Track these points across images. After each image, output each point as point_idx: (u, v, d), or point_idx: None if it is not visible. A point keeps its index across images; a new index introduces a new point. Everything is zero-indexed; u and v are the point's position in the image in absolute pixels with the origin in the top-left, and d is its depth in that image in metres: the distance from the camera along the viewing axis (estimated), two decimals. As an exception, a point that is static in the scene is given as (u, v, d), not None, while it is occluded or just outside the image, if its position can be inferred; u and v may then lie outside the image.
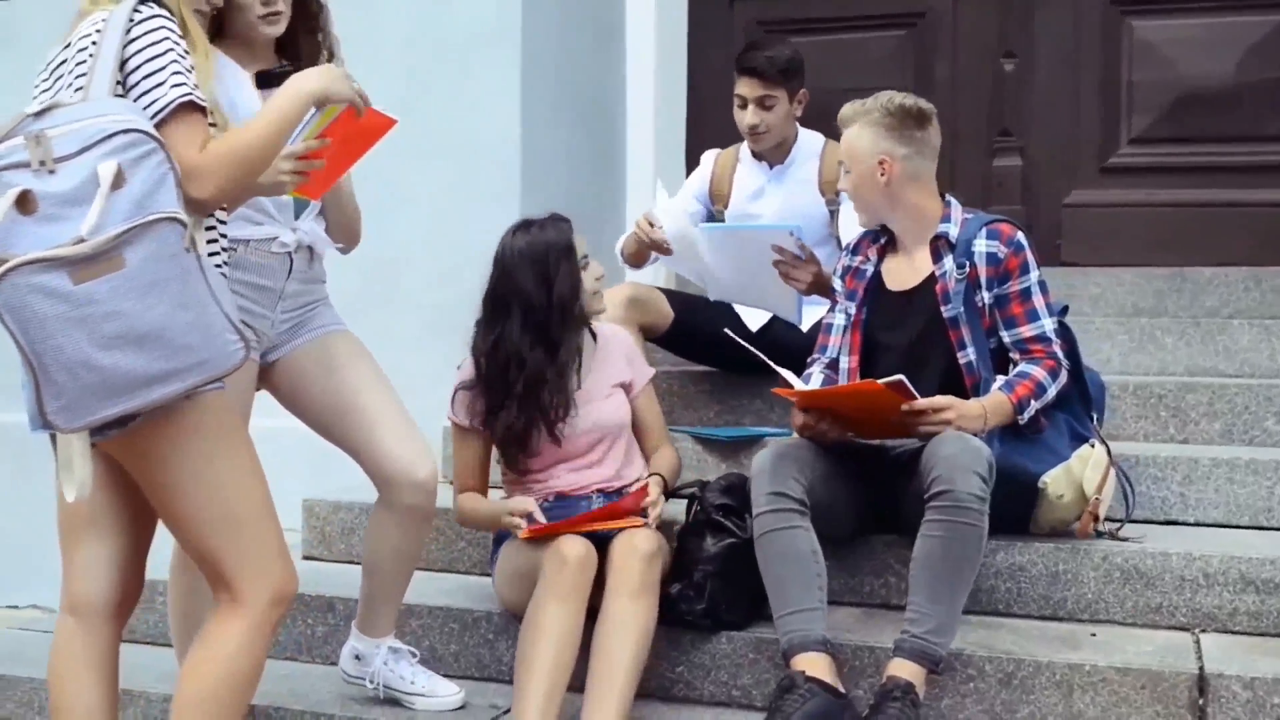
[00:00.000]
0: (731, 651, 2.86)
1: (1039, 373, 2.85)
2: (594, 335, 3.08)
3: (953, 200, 3.01)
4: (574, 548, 2.70)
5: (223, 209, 2.27)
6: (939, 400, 2.76)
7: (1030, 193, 4.56)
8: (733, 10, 4.88)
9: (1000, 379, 2.88)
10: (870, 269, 3.04)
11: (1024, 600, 2.96)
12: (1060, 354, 2.89)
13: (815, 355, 3.10)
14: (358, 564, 2.97)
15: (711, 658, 2.88)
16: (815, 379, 3.02)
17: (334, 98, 2.22)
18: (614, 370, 3.07)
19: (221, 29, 2.58)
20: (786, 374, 2.86)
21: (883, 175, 2.91)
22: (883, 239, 3.05)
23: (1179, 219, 4.38)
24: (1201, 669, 2.58)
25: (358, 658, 2.88)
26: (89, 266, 1.91)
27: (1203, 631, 2.84)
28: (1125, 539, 2.96)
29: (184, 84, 2.08)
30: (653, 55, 4.71)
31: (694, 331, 3.69)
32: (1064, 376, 2.88)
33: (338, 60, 2.72)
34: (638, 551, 2.71)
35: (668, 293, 3.71)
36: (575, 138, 4.42)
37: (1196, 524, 3.19)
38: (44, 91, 2.17)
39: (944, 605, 2.57)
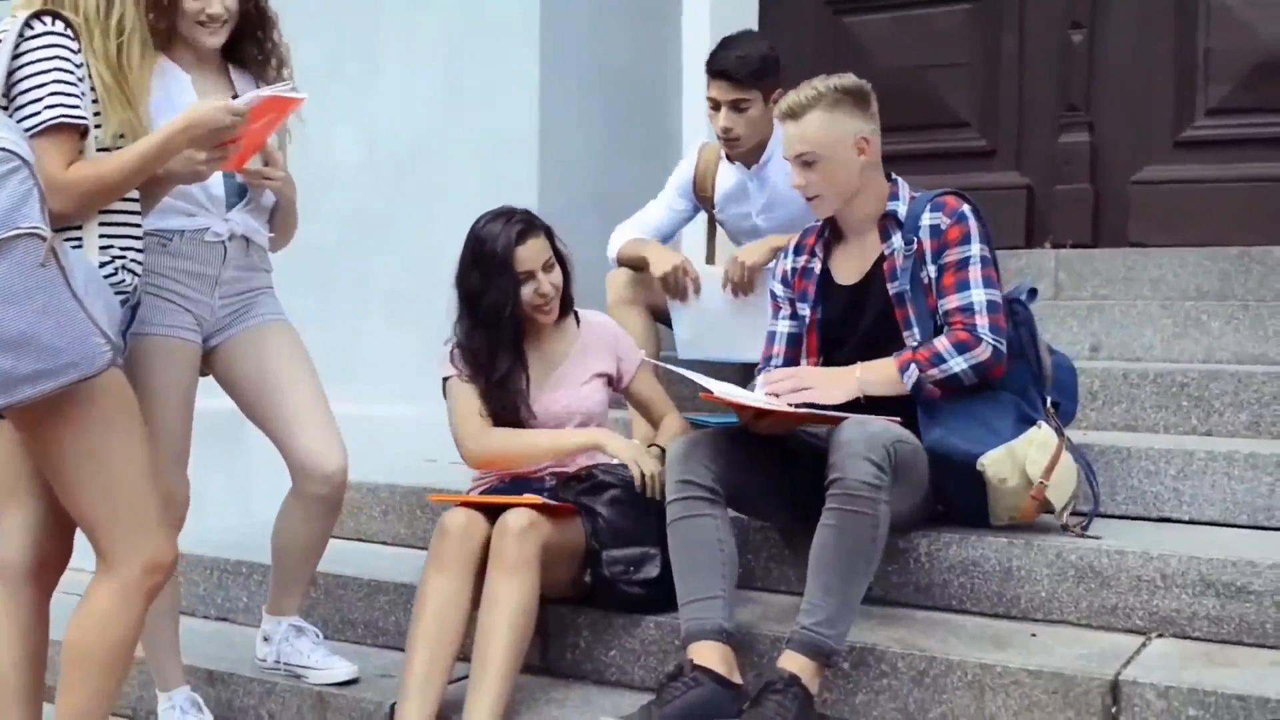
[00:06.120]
0: (660, 638, 2.85)
1: (940, 342, 2.73)
2: (577, 321, 3.11)
3: (898, 179, 2.91)
4: (454, 519, 2.75)
5: (135, 213, 2.41)
6: (789, 382, 2.74)
7: (1100, 170, 4.30)
8: (801, -10, 4.78)
9: None
10: (818, 266, 2.95)
11: (977, 597, 2.83)
12: (983, 329, 2.72)
13: (761, 365, 3.04)
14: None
15: (641, 643, 2.87)
16: (759, 386, 2.96)
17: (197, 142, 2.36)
18: (595, 361, 3.09)
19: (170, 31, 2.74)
20: (717, 384, 2.79)
21: (861, 155, 2.83)
22: (826, 233, 2.96)
23: (1259, 195, 4.04)
24: (1117, 676, 2.41)
25: (266, 639, 3.00)
26: None
27: (1159, 636, 2.65)
28: (1088, 535, 2.80)
29: (59, 104, 2.23)
30: (708, 41, 4.65)
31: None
32: (983, 351, 2.70)
33: (287, 70, 2.83)
34: (508, 530, 2.70)
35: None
36: (612, 128, 4.41)
37: (1190, 522, 2.98)
38: None
39: (836, 597, 2.48)
